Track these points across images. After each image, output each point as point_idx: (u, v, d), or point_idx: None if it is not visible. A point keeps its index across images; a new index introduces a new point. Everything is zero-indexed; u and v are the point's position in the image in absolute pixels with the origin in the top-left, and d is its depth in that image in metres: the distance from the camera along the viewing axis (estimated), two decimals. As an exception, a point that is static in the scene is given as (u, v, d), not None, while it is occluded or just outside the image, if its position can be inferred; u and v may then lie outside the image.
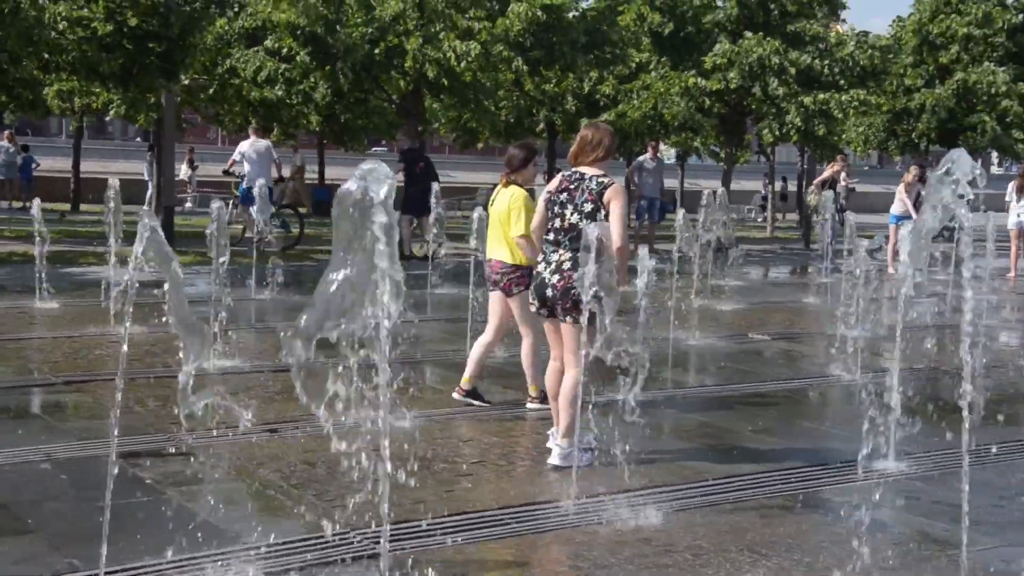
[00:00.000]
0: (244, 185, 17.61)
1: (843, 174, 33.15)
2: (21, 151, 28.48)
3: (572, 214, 6.12)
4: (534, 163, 7.53)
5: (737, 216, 33.47)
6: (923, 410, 6.48)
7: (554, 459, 6.18)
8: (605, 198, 6.09)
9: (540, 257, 6.27)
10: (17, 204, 26.23)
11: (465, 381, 7.71)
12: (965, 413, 3.86)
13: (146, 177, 29.55)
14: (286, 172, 22.72)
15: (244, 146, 18.09)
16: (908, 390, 5.85)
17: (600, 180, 6.14)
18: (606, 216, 6.03)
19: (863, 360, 9.23)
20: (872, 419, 6.13)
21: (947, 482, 5.90)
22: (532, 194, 7.38)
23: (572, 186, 6.20)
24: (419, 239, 18.48)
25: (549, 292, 6.15)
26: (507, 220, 7.26)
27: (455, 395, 7.73)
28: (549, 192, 6.28)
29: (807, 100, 24.11)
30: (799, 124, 24.54)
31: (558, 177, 6.33)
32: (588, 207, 6.07)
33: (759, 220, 35.80)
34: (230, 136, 37.15)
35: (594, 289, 5.69)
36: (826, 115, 24.32)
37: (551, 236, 6.20)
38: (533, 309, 6.36)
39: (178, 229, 19.08)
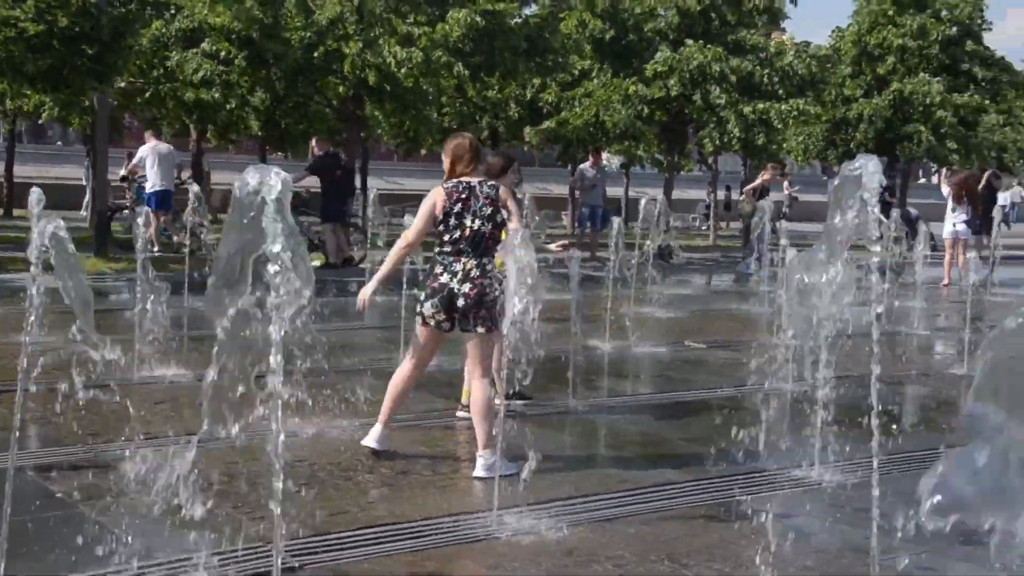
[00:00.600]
0: (149, 190, 17.71)
1: (786, 183, 33.48)
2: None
3: (473, 221, 6.19)
4: (512, 170, 7.51)
5: (681, 224, 33.65)
6: (849, 419, 6.50)
7: (478, 471, 6.11)
8: (500, 198, 6.33)
9: (438, 269, 6.20)
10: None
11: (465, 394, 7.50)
12: (875, 422, 3.86)
13: (84, 182, 29.00)
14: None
15: (145, 150, 18.13)
16: (837, 399, 5.86)
17: (491, 184, 6.39)
18: (508, 215, 6.32)
19: (796, 369, 9.25)
20: (800, 428, 6.13)
21: (872, 490, 5.91)
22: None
23: (464, 195, 6.27)
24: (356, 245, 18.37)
25: (460, 302, 6.10)
26: None
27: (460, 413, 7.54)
28: (438, 205, 6.26)
29: (747, 109, 24.33)
30: (739, 134, 24.74)
31: (442, 191, 6.30)
32: (488, 210, 6.22)
33: (703, 228, 36.04)
34: (173, 140, 36.68)
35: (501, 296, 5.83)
36: (766, 124, 24.55)
37: (449, 248, 6.19)
38: (432, 323, 6.22)
39: (116, 236, 18.75)
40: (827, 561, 5.03)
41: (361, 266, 14.55)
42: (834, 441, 6.34)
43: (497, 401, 7.45)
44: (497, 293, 6.00)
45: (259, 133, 25.08)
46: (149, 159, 18.53)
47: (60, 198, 24.54)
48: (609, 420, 7.87)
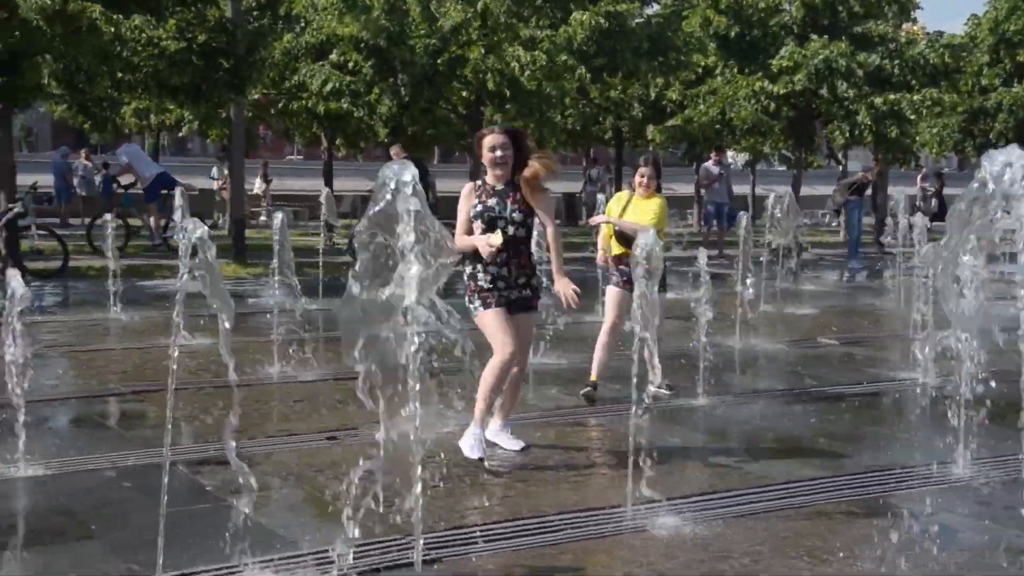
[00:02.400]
0: (146, 184, 19.16)
1: (919, 177, 32.40)
2: (101, 169, 29.15)
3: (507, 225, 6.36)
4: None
5: (811, 221, 32.94)
6: (995, 415, 6.29)
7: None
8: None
9: (486, 279, 6.37)
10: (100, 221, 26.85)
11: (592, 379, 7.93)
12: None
13: (214, 188, 30.10)
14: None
15: (124, 151, 19.99)
16: (981, 395, 5.68)
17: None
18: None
19: (935, 364, 9.00)
20: (943, 423, 5.96)
21: (1019, 488, 5.71)
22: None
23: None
24: None
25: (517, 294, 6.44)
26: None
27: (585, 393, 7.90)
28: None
29: (877, 101, 23.68)
30: (870, 124, 24.10)
31: (473, 187, 6.52)
32: (518, 216, 6.35)
33: (833, 224, 35.20)
34: (306, 151, 37.64)
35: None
36: (898, 116, 23.86)
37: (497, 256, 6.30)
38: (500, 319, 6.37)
39: (250, 242, 19.39)
40: (973, 560, 4.88)
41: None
42: (980, 437, 6.15)
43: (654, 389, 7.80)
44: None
45: (386, 140, 25.59)
46: (131, 156, 20.01)
47: (200, 207, 25.58)
48: (742, 416, 7.78)
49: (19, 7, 13.55)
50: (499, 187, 6.38)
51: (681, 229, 24.24)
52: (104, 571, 4.60)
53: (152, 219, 19.81)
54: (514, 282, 6.37)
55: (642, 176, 8.00)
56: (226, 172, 24.57)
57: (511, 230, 6.30)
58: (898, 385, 9.01)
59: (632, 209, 8.00)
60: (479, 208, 6.35)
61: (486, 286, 6.35)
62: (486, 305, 6.33)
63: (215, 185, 30.10)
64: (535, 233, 6.83)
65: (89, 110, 18.08)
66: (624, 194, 8.29)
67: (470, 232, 6.38)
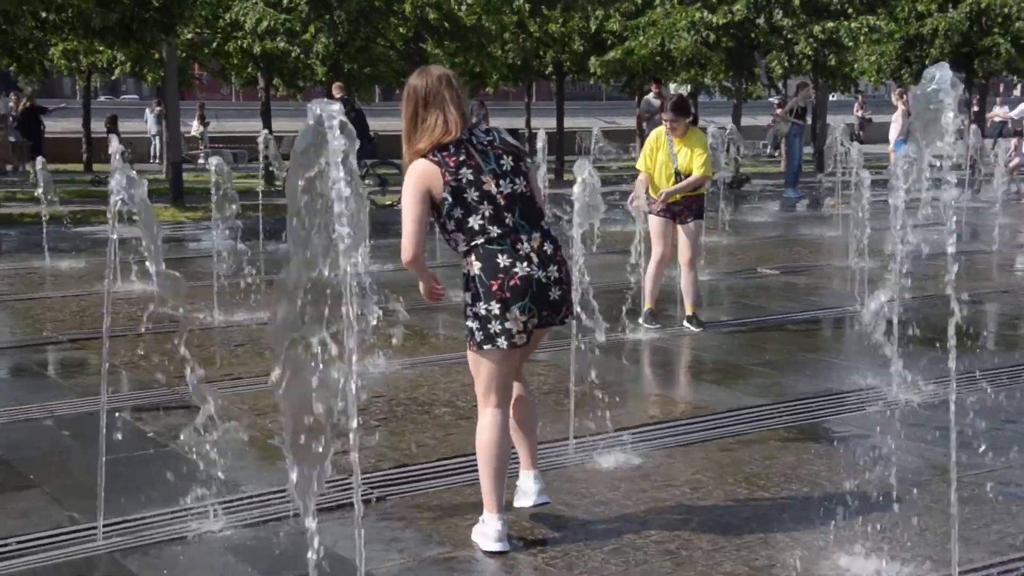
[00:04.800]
0: None
1: (857, 104, 32.60)
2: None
3: (503, 181, 4.24)
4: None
5: (751, 152, 33.12)
6: (927, 339, 6.43)
7: (538, 497, 4.53)
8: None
9: (508, 255, 4.19)
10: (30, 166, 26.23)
11: (688, 309, 8.34)
12: (952, 341, 3.82)
13: (150, 133, 29.53)
14: None
15: None
16: (913, 319, 5.79)
17: (496, 129, 4.50)
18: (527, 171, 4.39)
19: (868, 291, 9.16)
20: (878, 350, 6.07)
21: (948, 409, 5.85)
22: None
23: (468, 152, 4.26)
24: None
25: (555, 294, 4.26)
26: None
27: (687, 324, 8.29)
28: (438, 187, 4.20)
29: (816, 29, 23.72)
30: (809, 54, 24.15)
31: (435, 169, 4.21)
32: (508, 164, 4.29)
33: (774, 155, 35.44)
34: (243, 91, 36.97)
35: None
36: (836, 44, 23.93)
37: (497, 222, 4.20)
38: (517, 329, 4.21)
39: (188, 186, 19.10)
40: (905, 479, 5.01)
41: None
42: (912, 361, 6.28)
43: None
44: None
45: (324, 79, 25.19)
46: None
47: (134, 150, 25.08)
48: (684, 347, 7.87)
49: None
50: None
51: (623, 162, 24.23)
52: (45, 519, 4.57)
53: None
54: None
55: (666, 122, 8.15)
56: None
57: None
58: (836, 313, 9.17)
59: (681, 153, 8.13)
60: None
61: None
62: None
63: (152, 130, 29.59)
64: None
65: (14, 52, 17.53)
66: (660, 132, 8.28)
67: None
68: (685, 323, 8.29)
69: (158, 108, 29.56)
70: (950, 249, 3.68)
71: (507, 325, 4.18)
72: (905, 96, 17.95)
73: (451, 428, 5.86)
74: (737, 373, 7.17)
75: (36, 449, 5.57)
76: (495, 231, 4.18)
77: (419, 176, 4.20)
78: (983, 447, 5.34)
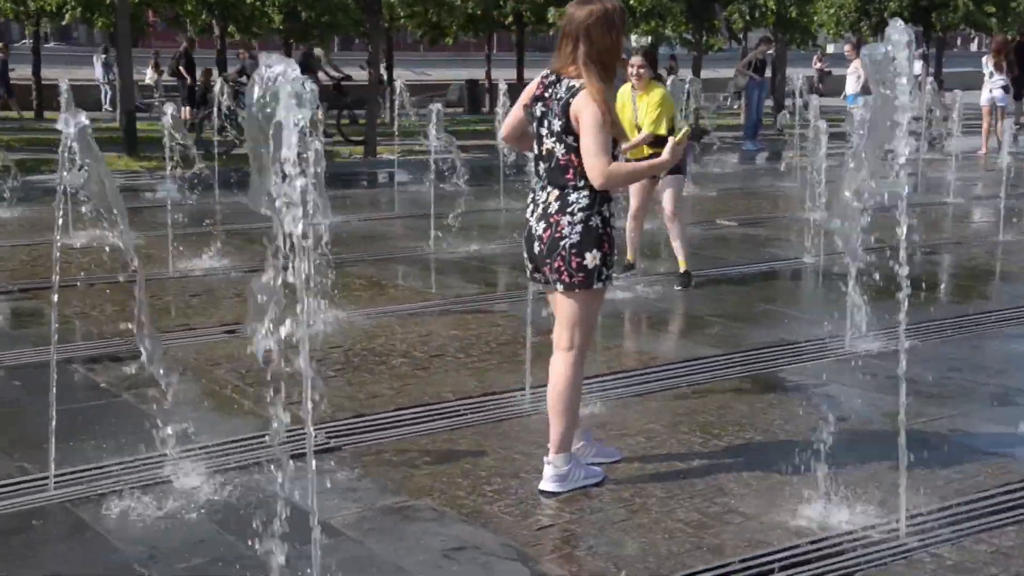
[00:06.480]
0: None
1: (816, 58, 32.61)
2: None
3: (547, 136, 4.31)
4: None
5: (712, 104, 33.10)
6: (881, 290, 6.48)
7: (544, 483, 4.39)
8: (572, 112, 4.19)
9: (530, 196, 4.45)
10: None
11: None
12: (904, 292, 3.87)
13: (99, 81, 28.91)
14: None
15: None
16: (866, 271, 5.83)
17: (571, 85, 4.22)
18: (576, 141, 4.20)
19: (825, 243, 9.23)
20: (830, 300, 6.12)
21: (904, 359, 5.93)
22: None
23: (547, 94, 4.34)
24: None
25: (536, 248, 4.33)
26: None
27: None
28: (526, 101, 4.45)
29: (777, -19, 23.71)
30: (772, 7, 24.15)
31: (537, 78, 4.44)
32: (557, 125, 4.25)
33: (734, 108, 35.46)
34: (198, 39, 36.39)
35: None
36: (797, -3, 23.94)
37: (535, 166, 4.42)
38: (527, 272, 4.53)
39: (142, 135, 18.77)
40: (857, 428, 5.08)
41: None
42: (865, 311, 6.34)
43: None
44: (577, 238, 4.23)
45: (281, 27, 24.84)
46: None
47: (84, 98, 24.56)
48: (641, 297, 7.89)
49: None
50: None
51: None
52: (-5, 471, 4.52)
53: None
54: None
55: (632, 66, 7.94)
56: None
57: None
58: (792, 264, 9.23)
59: (640, 107, 7.97)
60: None
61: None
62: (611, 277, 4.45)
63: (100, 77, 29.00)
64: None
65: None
66: (625, 90, 8.08)
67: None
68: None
69: (103, 56, 29.01)
70: (903, 201, 3.71)
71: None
72: (856, 51, 17.97)
73: (408, 379, 5.85)
74: (694, 324, 7.22)
75: (-14, 400, 5.49)
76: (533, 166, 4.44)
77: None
78: (931, 396, 5.44)
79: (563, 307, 4.36)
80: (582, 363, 4.42)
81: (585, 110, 4.14)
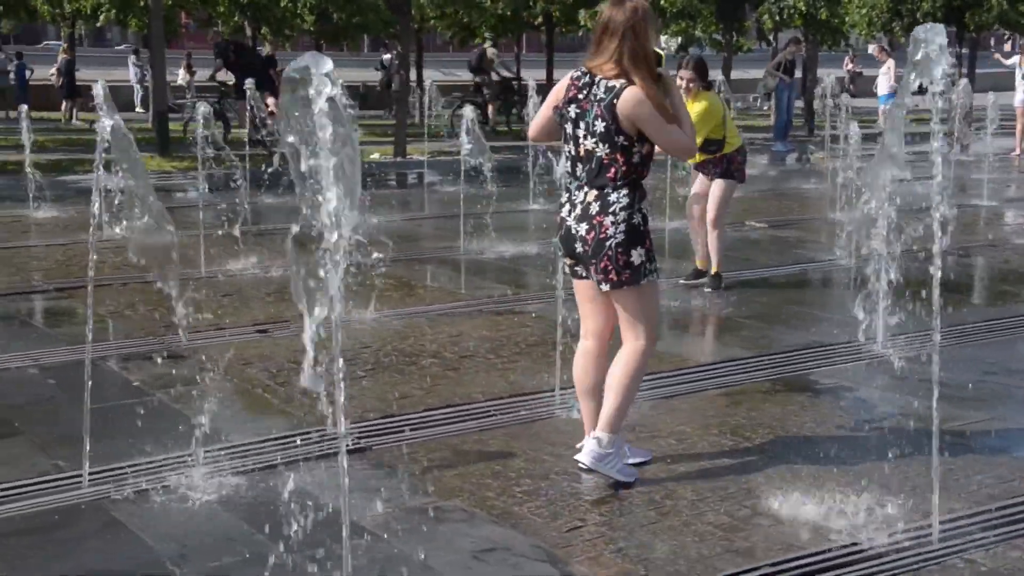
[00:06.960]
0: None
1: (847, 58, 32.32)
2: (14, 59, 28.09)
3: (585, 137, 4.34)
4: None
5: (742, 104, 32.97)
6: (915, 293, 6.44)
7: (584, 456, 4.48)
8: (620, 112, 4.23)
9: (564, 196, 4.49)
10: (14, 114, 25.92)
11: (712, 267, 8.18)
12: (936, 294, 3.84)
13: (132, 82, 29.19)
14: None
15: None
16: (900, 274, 5.79)
17: (611, 86, 4.26)
18: (627, 140, 4.25)
19: (857, 245, 9.16)
20: (862, 303, 6.08)
21: (931, 362, 5.89)
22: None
23: (582, 95, 4.36)
24: None
25: (579, 247, 4.38)
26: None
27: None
28: (558, 102, 4.46)
29: (807, -19, 23.54)
30: (801, 8, 23.98)
31: (566, 79, 4.46)
32: (600, 126, 4.27)
33: (764, 109, 35.29)
34: (230, 40, 36.59)
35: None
36: (828, -3, 23.76)
37: (570, 166, 4.44)
38: (567, 271, 4.63)
39: (175, 136, 18.92)
40: (889, 431, 5.04)
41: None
42: (899, 314, 6.30)
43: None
44: (623, 237, 4.28)
45: (312, 28, 24.94)
46: None
47: (116, 99, 24.76)
48: (671, 300, 7.87)
49: None
50: None
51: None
52: (30, 467, 4.57)
53: None
54: None
55: (682, 79, 7.86)
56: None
57: None
58: (824, 266, 9.18)
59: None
60: None
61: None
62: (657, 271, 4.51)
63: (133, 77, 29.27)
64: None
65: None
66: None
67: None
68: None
69: (132, 56, 29.28)
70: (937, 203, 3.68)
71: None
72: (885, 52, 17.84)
73: (438, 379, 5.86)
74: (724, 326, 7.19)
75: (22, 397, 5.55)
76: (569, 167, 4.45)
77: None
78: (965, 399, 5.39)
79: (620, 309, 4.47)
80: (647, 357, 4.51)
81: (640, 107, 4.22)
